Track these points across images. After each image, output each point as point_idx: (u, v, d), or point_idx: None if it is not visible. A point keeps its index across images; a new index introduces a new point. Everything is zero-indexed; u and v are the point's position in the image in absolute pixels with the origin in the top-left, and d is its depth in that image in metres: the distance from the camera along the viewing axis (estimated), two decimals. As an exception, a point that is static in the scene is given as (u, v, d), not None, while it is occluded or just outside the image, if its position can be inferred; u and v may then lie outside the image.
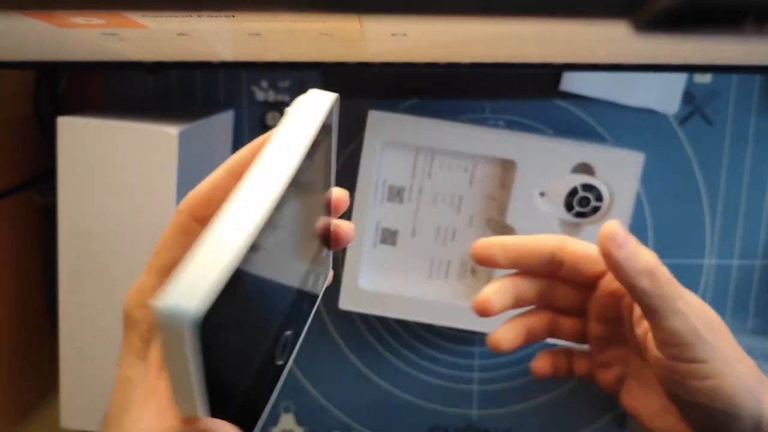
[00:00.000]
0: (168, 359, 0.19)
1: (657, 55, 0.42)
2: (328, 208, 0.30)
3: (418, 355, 0.61)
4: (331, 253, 0.31)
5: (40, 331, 0.58)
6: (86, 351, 0.46)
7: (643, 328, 0.34)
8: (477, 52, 0.42)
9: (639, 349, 0.36)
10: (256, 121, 0.57)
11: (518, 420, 0.61)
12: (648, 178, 0.56)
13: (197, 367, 0.19)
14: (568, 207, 0.54)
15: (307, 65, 0.46)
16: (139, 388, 0.26)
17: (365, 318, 0.60)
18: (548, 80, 0.56)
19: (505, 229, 0.55)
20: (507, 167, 0.54)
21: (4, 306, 0.54)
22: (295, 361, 0.61)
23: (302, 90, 0.28)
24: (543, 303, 0.38)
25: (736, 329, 0.56)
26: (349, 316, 0.59)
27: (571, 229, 0.55)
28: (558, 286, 0.37)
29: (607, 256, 0.32)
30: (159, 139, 0.44)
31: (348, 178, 0.55)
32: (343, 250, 0.55)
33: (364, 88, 0.56)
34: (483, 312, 0.36)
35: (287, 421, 0.61)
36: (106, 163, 0.45)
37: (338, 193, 0.30)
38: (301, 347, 0.28)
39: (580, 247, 0.36)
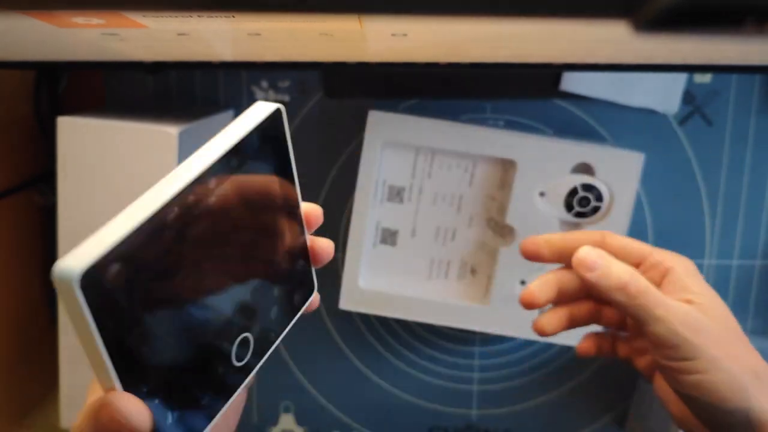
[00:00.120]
0: (72, 322, 0.21)
1: (657, 55, 0.42)
2: (305, 225, 0.31)
3: (418, 355, 0.61)
4: (313, 270, 0.32)
5: (40, 330, 0.58)
6: (86, 351, 0.46)
7: None
8: (477, 52, 0.42)
9: None
10: (256, 121, 0.57)
11: (518, 420, 0.61)
12: (648, 178, 0.56)
13: (96, 329, 0.21)
14: (568, 207, 0.54)
15: (307, 65, 0.46)
16: None
17: (365, 318, 0.60)
18: (548, 80, 0.56)
19: (505, 229, 0.55)
20: (507, 167, 0.54)
21: (4, 306, 0.54)
22: (295, 361, 0.61)
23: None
24: (584, 294, 0.40)
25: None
26: (349, 316, 0.59)
27: (571, 229, 0.55)
28: None
29: (582, 278, 0.37)
30: (159, 139, 0.44)
31: (348, 178, 0.55)
32: (343, 251, 0.55)
33: (364, 88, 0.56)
34: (529, 305, 0.39)
35: (287, 421, 0.61)
36: (106, 163, 0.45)
37: (308, 208, 0.31)
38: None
39: (619, 241, 0.39)
